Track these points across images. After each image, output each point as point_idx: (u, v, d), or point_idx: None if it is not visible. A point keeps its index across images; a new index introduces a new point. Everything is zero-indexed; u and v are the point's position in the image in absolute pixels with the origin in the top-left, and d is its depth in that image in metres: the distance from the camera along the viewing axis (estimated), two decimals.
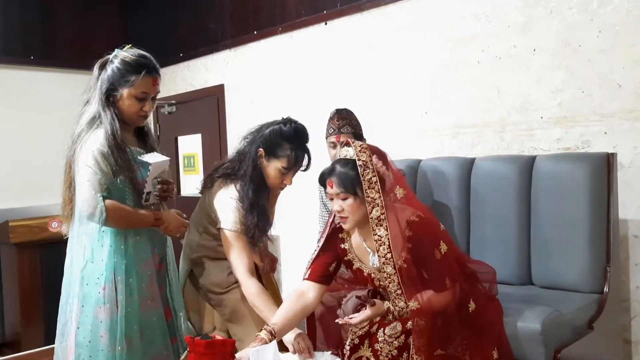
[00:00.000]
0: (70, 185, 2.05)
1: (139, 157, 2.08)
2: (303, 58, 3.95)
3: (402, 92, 3.37)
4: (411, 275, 1.85)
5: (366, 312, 1.89)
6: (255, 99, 4.35)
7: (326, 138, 2.82)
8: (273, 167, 2.20)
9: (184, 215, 2.22)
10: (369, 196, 1.86)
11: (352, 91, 3.59)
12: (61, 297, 2.11)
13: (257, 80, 4.31)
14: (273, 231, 2.43)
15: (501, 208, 2.52)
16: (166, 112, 5.15)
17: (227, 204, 2.19)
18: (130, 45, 2.09)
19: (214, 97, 4.70)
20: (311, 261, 2.10)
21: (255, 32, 4.27)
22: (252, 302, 2.14)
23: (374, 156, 1.89)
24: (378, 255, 1.88)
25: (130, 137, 2.11)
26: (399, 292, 1.86)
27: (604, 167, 2.31)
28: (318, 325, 2.62)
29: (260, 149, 2.19)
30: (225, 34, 4.56)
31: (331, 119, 2.82)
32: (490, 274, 2.07)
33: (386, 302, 1.93)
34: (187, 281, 2.41)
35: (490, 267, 2.08)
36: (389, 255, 1.85)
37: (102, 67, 2.06)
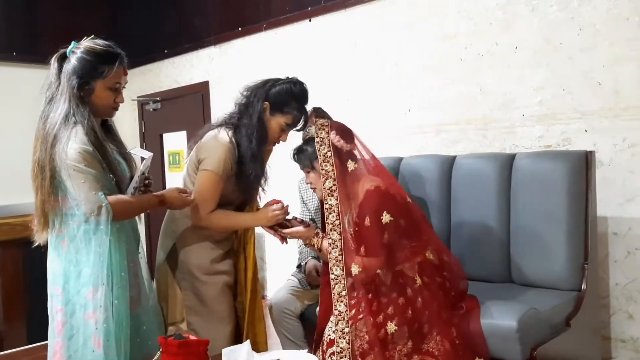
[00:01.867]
0: (54, 191, 1.92)
1: (131, 151, 2.03)
2: (287, 55, 3.93)
3: (385, 90, 3.36)
4: (358, 238, 1.98)
5: (298, 228, 2.16)
6: None
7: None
8: (275, 122, 2.23)
9: (188, 190, 2.16)
10: (323, 169, 2.05)
11: (336, 88, 3.58)
12: (48, 304, 2.02)
13: (242, 76, 4.27)
14: (259, 229, 2.41)
15: (481, 206, 2.52)
16: (151, 109, 5.10)
17: (215, 149, 2.18)
18: (93, 36, 2.00)
19: (198, 93, 4.67)
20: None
21: (239, 29, 4.25)
22: (223, 225, 2.23)
23: (333, 132, 2.07)
24: (326, 223, 2.01)
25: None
26: (340, 257, 1.98)
27: (583, 165, 2.32)
28: (299, 323, 2.62)
29: (266, 103, 2.22)
30: (210, 31, 4.53)
31: (309, 117, 2.81)
32: (455, 265, 2.15)
33: (316, 238, 2.13)
34: (164, 263, 2.30)
35: (455, 258, 2.19)
36: (337, 222, 2.00)
37: (62, 60, 1.96)
